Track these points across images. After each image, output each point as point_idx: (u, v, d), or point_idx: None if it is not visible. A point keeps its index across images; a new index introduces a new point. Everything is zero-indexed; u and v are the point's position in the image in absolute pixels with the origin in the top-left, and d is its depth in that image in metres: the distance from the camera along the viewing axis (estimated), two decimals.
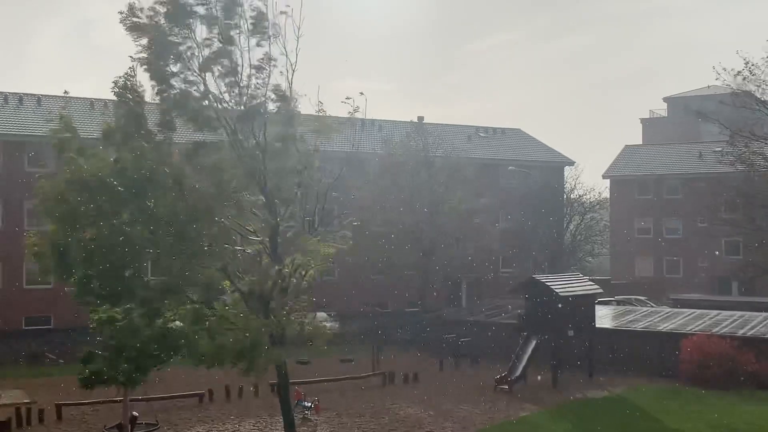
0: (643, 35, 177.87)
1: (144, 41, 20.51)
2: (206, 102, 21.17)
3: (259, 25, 20.89)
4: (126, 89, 20.94)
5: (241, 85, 21.21)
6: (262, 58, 21.15)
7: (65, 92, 48.67)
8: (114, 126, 21.18)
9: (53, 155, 21.84)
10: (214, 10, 20.73)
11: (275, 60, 21.20)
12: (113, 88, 21.21)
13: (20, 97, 48.24)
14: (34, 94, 49.01)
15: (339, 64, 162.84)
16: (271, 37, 20.98)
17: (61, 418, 28.47)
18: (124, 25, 20.46)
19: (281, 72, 21.39)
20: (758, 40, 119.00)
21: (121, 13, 20.44)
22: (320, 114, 22.04)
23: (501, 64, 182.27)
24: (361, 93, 22.02)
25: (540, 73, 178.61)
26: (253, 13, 20.93)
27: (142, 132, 20.71)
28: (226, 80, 21.11)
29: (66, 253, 19.99)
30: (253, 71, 21.18)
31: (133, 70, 20.97)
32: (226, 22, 20.79)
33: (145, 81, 21.01)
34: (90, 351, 21.50)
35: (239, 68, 21.08)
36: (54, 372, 36.31)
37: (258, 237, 22.10)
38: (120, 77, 21.04)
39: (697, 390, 32.68)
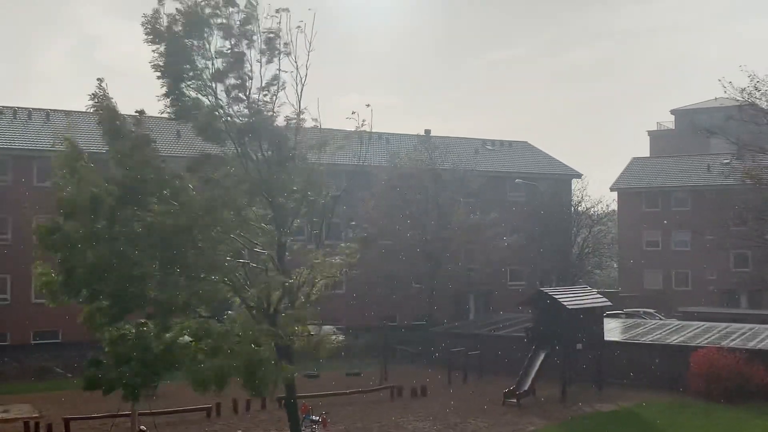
0: (650, 49, 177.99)
1: (161, 48, 20.68)
2: (216, 113, 21.29)
3: (273, 42, 21.04)
4: (99, 107, 21.01)
5: (251, 99, 21.34)
6: (273, 76, 21.30)
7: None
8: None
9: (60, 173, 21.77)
10: (232, 21, 20.90)
11: (284, 78, 21.37)
12: (93, 109, 21.25)
13: (29, 112, 48.46)
14: (43, 109, 49.22)
15: (344, 79, 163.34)
16: (282, 54, 21.13)
17: None
18: (144, 30, 20.63)
19: (291, 85, 21.56)
20: (765, 54, 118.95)
21: (144, 16, 20.63)
22: (326, 128, 22.16)
23: (507, 78, 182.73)
24: (368, 105, 22.18)
25: (546, 86, 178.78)
26: (268, 29, 21.09)
27: (124, 141, 20.71)
28: (236, 93, 21.25)
29: (71, 276, 19.96)
30: (263, 86, 21.33)
31: (103, 90, 21.03)
32: (242, 35, 20.93)
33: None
34: (97, 358, 21.46)
35: (248, 82, 21.22)
36: (62, 386, 36.31)
37: (264, 250, 22.14)
38: (92, 97, 21.08)
39: (707, 403, 32.51)
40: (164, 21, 20.72)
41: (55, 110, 49.39)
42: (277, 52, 21.09)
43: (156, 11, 20.72)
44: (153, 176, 20.17)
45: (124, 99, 21.59)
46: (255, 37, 21.03)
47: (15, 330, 43.23)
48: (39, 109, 49.23)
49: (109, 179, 20.31)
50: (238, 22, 20.94)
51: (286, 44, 21.04)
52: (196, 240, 19.85)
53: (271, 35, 20.98)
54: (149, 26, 20.68)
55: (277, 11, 20.97)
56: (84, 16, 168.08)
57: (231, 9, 20.80)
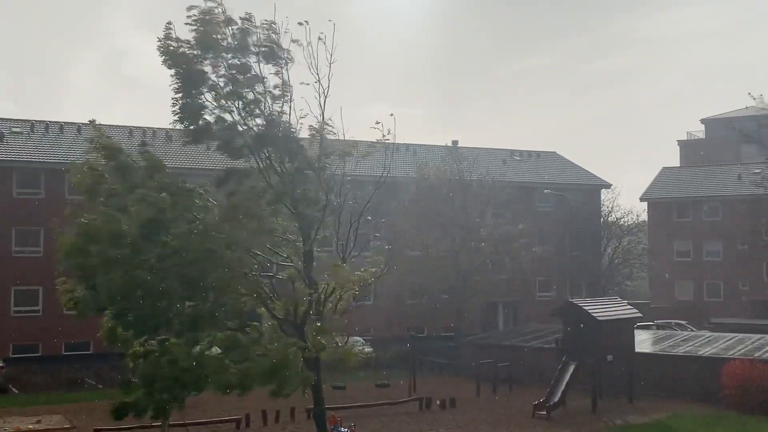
0: (680, 57, 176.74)
1: (175, 70, 20.88)
2: (239, 128, 21.48)
3: (273, 54, 21.23)
4: (101, 147, 21.26)
5: (266, 111, 21.52)
6: (279, 83, 21.49)
7: (91, 121, 49.27)
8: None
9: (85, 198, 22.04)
10: (231, 41, 21.12)
11: (291, 86, 21.61)
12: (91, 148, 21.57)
13: (60, 126, 49.03)
14: (74, 123, 49.76)
15: (367, 90, 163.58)
16: (288, 63, 21.31)
17: None
18: (160, 50, 20.84)
19: (315, 97, 21.72)
20: None
21: (159, 39, 20.85)
22: (351, 139, 22.28)
23: (534, 87, 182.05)
24: (391, 114, 22.31)
25: (575, 95, 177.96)
26: (267, 43, 21.28)
27: (135, 176, 20.90)
28: (251, 108, 21.43)
29: (95, 296, 20.14)
30: (275, 95, 21.54)
31: (98, 130, 21.35)
32: (243, 49, 21.16)
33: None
34: (128, 381, 21.56)
35: (262, 96, 21.41)
36: (93, 396, 36.60)
37: (291, 263, 22.23)
38: (92, 139, 21.38)
39: (739, 416, 32.08)
40: (178, 44, 20.91)
41: (86, 124, 49.90)
42: (281, 60, 21.28)
43: (167, 35, 20.90)
44: (171, 201, 20.28)
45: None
46: (256, 50, 21.26)
47: (47, 341, 43.67)
48: (70, 123, 49.80)
49: (128, 211, 20.42)
50: (237, 39, 21.14)
51: (287, 51, 21.23)
52: (221, 256, 19.94)
53: (272, 45, 21.17)
54: (163, 49, 20.89)
55: (267, 21, 21.21)
56: (113, 29, 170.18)
57: (232, 27, 21.02)
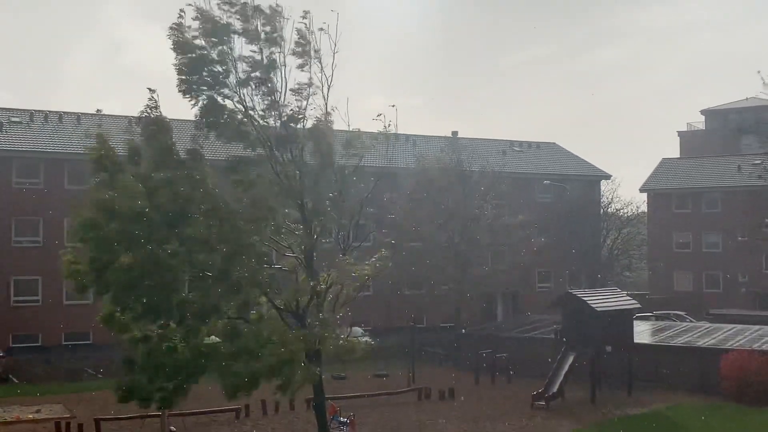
0: (680, 48, 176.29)
1: (186, 58, 20.81)
2: (242, 117, 21.38)
3: (303, 48, 21.13)
4: (150, 122, 21.07)
5: (281, 104, 21.42)
6: (306, 81, 21.38)
7: (98, 110, 49.18)
8: (143, 155, 21.22)
9: (91, 174, 21.88)
10: (256, 25, 20.99)
11: (319, 86, 21.48)
12: (139, 119, 21.29)
13: (60, 116, 48.91)
14: (74, 113, 49.66)
15: (366, 81, 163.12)
16: (313, 60, 21.23)
17: None
18: (171, 42, 20.77)
19: (317, 86, 21.67)
20: None
21: (172, 28, 20.76)
22: (354, 130, 22.22)
23: (534, 78, 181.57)
24: (392, 105, 22.28)
25: (575, 86, 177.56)
26: (296, 36, 21.18)
27: (172, 161, 20.77)
28: (266, 99, 21.34)
29: (103, 276, 20.09)
30: (293, 93, 21.44)
31: (155, 101, 21.05)
32: (270, 41, 21.00)
33: (167, 107, 21.32)
34: (130, 359, 21.59)
35: (279, 87, 21.31)
36: (93, 387, 36.66)
37: (293, 253, 22.20)
38: (143, 109, 21.15)
39: (738, 406, 32.17)
40: (188, 32, 20.81)
41: (85, 113, 49.85)
42: (308, 58, 21.21)
43: (179, 23, 20.82)
44: (199, 194, 20.22)
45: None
46: (284, 43, 21.15)
47: (46, 331, 43.70)
48: (69, 112, 49.70)
49: (151, 192, 20.30)
50: (264, 29, 21.02)
51: (317, 51, 21.17)
52: (255, 252, 19.94)
53: (302, 42, 21.09)
54: (174, 37, 20.79)
55: (305, 15, 21.06)
56: (111, 19, 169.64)
57: (260, 16, 20.90)
